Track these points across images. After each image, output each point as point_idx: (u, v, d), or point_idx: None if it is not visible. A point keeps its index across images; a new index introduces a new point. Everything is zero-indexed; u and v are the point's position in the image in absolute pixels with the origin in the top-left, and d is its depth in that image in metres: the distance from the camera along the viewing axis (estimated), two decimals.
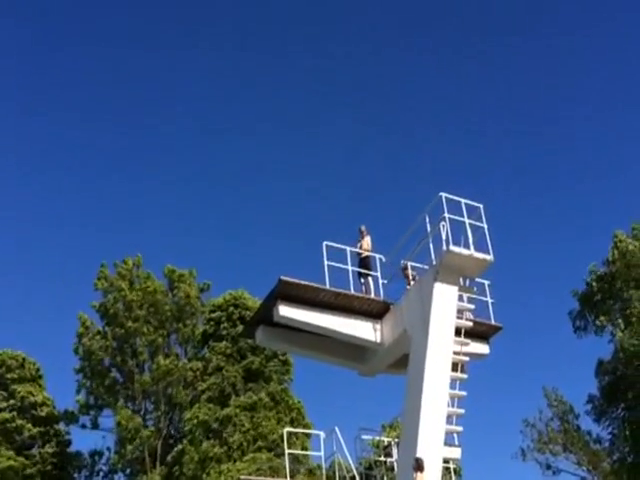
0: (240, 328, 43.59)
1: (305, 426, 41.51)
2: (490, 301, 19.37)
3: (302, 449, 38.41)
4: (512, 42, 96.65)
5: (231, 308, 46.06)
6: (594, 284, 38.85)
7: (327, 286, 18.80)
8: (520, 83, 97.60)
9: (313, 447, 34.88)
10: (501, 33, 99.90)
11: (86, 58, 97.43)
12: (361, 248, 20.46)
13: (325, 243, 19.31)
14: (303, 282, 18.51)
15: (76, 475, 50.55)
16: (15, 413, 46.79)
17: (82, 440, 63.45)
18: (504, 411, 75.82)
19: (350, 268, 19.64)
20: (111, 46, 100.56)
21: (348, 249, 19.97)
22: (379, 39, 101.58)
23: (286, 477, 21.64)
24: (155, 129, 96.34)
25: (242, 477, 21.93)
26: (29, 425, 47.06)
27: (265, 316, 19.30)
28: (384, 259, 20.16)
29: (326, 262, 19.10)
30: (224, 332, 45.65)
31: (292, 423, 41.71)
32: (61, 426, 50.37)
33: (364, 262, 20.38)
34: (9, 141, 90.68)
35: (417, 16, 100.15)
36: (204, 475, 41.16)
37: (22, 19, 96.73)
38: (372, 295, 19.71)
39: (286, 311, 18.60)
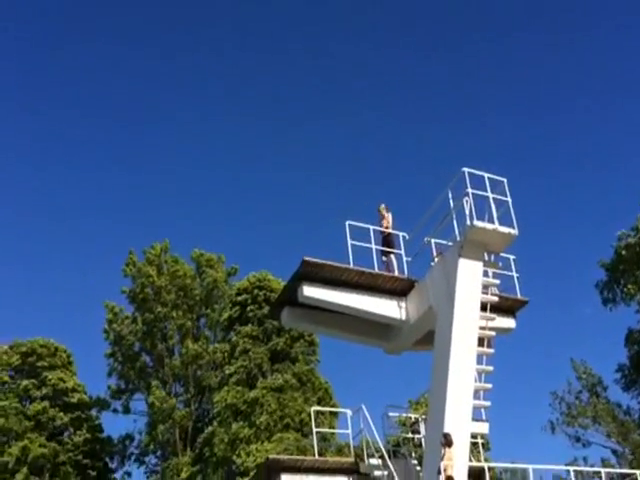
0: (265, 310, 43.85)
1: (332, 405, 41.68)
2: (515, 275, 19.24)
3: (330, 428, 38.59)
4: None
5: (256, 290, 46.21)
6: (622, 252, 38.27)
7: (351, 265, 18.80)
8: (544, 54, 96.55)
9: (340, 426, 35.03)
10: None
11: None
12: (383, 219, 20.41)
13: (348, 222, 19.27)
14: (327, 262, 18.52)
15: (108, 460, 51.17)
16: (47, 402, 47.15)
17: (113, 425, 64.52)
18: (532, 385, 75.78)
19: (374, 247, 19.62)
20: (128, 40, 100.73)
21: (371, 228, 19.94)
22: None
23: (314, 456, 21.76)
24: (179, 114, 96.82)
25: (270, 456, 22.07)
26: (61, 414, 47.40)
27: (290, 297, 19.34)
28: (407, 236, 20.10)
29: (349, 241, 19.08)
30: (250, 314, 45.87)
31: (319, 403, 41.88)
32: (93, 412, 50.88)
33: (387, 240, 20.35)
34: (47, 134, 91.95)
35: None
36: (234, 456, 41.60)
37: (22, 16, 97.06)
38: (396, 273, 19.68)
39: (310, 291, 18.63)
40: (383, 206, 20.87)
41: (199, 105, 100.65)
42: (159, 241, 52.46)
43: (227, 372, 45.10)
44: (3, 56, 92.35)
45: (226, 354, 47.00)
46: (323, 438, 38.07)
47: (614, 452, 40.04)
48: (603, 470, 26.92)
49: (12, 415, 45.37)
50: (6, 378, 47.77)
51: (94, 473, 47.97)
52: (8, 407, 45.50)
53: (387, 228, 20.38)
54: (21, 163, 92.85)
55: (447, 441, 16.12)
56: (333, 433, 38.46)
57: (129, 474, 51.56)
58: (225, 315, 48.70)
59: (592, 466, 37.24)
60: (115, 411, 51.34)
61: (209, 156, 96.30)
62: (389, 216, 20.63)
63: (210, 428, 44.80)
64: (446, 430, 16.50)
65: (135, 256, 51.88)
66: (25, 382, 47.24)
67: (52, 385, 47.62)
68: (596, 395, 40.45)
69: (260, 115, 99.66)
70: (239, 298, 46.81)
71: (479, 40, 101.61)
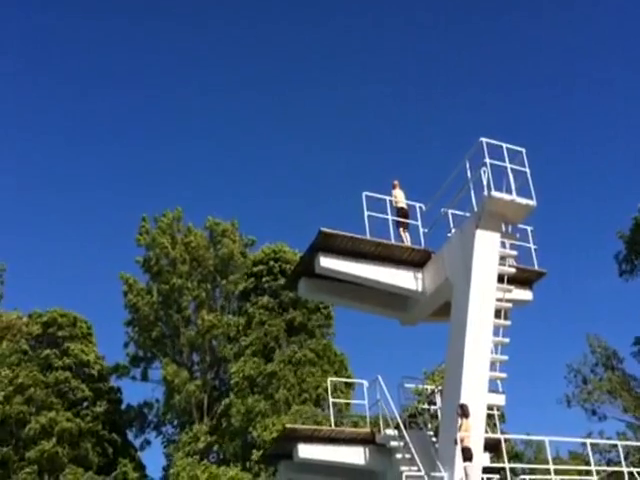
0: (281, 281, 43.90)
1: (348, 377, 41.85)
2: (533, 247, 19.07)
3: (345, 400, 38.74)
4: None
5: (271, 262, 46.22)
6: None
7: (367, 236, 18.74)
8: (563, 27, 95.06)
9: (356, 397, 35.21)
10: None
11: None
12: (395, 198, 20.30)
13: (365, 194, 19.19)
14: (343, 233, 18.45)
15: (127, 429, 51.70)
16: (68, 373, 47.46)
17: (132, 393, 65.17)
18: (549, 357, 75.76)
19: (390, 218, 19.53)
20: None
21: (388, 199, 19.87)
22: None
23: (331, 427, 21.86)
24: (192, 85, 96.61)
25: (287, 426, 22.22)
26: (82, 385, 47.71)
27: (307, 268, 19.31)
28: (424, 207, 19.98)
29: (366, 212, 19.01)
30: (265, 286, 45.93)
31: (335, 375, 42.06)
32: (112, 381, 51.30)
33: (401, 214, 20.24)
34: (59, 115, 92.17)
35: None
36: (250, 428, 41.90)
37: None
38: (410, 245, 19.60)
39: (327, 262, 18.61)
40: (397, 182, 20.74)
41: (220, 72, 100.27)
42: (170, 209, 52.48)
43: (243, 344, 45.28)
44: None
45: (241, 326, 47.18)
46: (339, 410, 38.27)
47: (630, 425, 40.03)
48: (620, 443, 26.90)
49: (39, 386, 45.77)
50: (26, 347, 48.12)
51: (112, 447, 48.41)
52: (35, 377, 45.84)
53: (397, 204, 20.24)
54: (38, 141, 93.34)
55: (464, 412, 16.13)
56: (349, 405, 38.65)
57: (148, 442, 52.19)
58: (240, 286, 48.76)
59: (609, 439, 37.25)
60: (134, 378, 51.81)
61: (225, 127, 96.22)
62: (396, 192, 20.47)
63: (227, 400, 45.06)
64: (462, 401, 16.51)
65: (148, 224, 51.84)
66: (47, 351, 47.58)
67: (74, 355, 47.87)
68: (612, 369, 40.32)
69: (274, 86, 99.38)
70: (254, 269, 46.85)
71: (499, 9, 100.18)
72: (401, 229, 20.05)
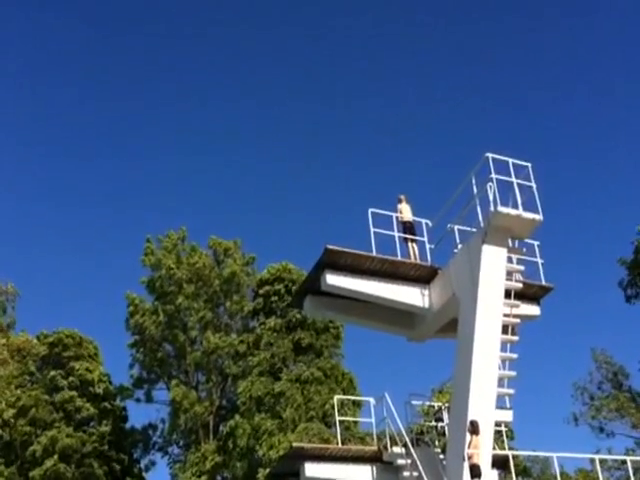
0: (288, 301, 43.86)
1: (355, 395, 41.63)
2: (540, 262, 19.03)
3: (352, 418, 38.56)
4: None
5: (276, 282, 46.21)
6: None
7: (374, 253, 18.72)
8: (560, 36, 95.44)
9: (363, 415, 35.02)
10: None
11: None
12: (400, 213, 20.30)
13: (371, 210, 19.19)
14: (349, 250, 18.45)
15: (132, 450, 51.50)
16: (74, 392, 47.33)
17: (137, 414, 64.96)
18: (557, 372, 75.31)
19: (396, 234, 19.52)
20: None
21: (394, 215, 19.87)
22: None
23: (338, 445, 21.74)
24: (192, 99, 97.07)
25: (294, 444, 22.12)
26: (87, 405, 47.58)
27: (312, 285, 19.31)
28: (430, 223, 19.99)
29: (372, 229, 19.00)
30: (273, 306, 45.93)
31: (343, 393, 41.89)
32: (117, 402, 51.17)
33: (407, 228, 20.24)
34: (62, 128, 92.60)
35: None
36: (257, 447, 41.70)
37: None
38: (417, 261, 19.58)
39: (333, 279, 18.58)
40: (403, 196, 20.77)
41: (221, 85, 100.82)
42: (174, 229, 52.59)
43: (250, 364, 45.13)
44: None
45: (249, 344, 47.06)
46: (346, 427, 38.08)
47: (638, 443, 39.71)
48: (629, 458, 26.67)
49: (41, 406, 45.75)
50: (33, 368, 48.14)
51: (119, 465, 48.26)
52: (37, 397, 45.84)
53: (402, 219, 20.23)
54: (41, 158, 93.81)
55: (474, 428, 16.03)
56: (356, 422, 38.44)
57: (153, 463, 51.97)
58: (248, 307, 48.71)
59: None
60: (138, 400, 51.66)
61: (224, 143, 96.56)
62: (402, 207, 20.48)
63: (232, 421, 44.83)
64: (470, 418, 16.42)
65: (152, 244, 51.96)
66: (52, 372, 47.58)
67: (78, 375, 47.83)
68: (619, 385, 40.08)
69: (275, 101, 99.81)
70: (261, 291, 46.85)
71: (506, 13, 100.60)
72: (409, 242, 20.03)
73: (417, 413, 22.76)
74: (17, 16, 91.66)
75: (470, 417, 16.45)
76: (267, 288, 46.32)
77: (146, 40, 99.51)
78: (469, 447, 15.87)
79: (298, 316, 43.56)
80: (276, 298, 45.73)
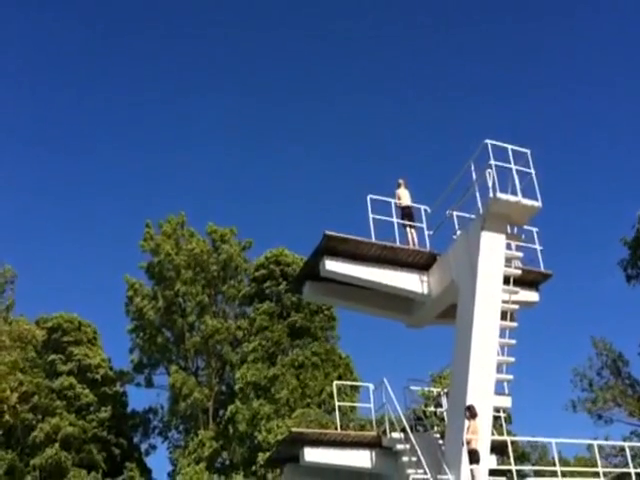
0: (283, 286, 43.93)
1: (353, 380, 41.78)
2: (539, 248, 19.03)
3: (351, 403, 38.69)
4: None
5: (272, 266, 46.23)
6: None
7: (373, 239, 18.72)
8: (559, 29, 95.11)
9: (362, 400, 35.07)
10: None
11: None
12: (398, 198, 20.27)
13: (370, 196, 19.16)
14: (348, 236, 18.44)
15: (132, 434, 51.69)
16: (73, 378, 47.47)
17: (137, 398, 65.12)
18: (555, 358, 75.49)
19: (395, 220, 19.51)
20: None
21: (393, 201, 19.84)
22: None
23: (336, 430, 21.83)
24: (193, 90, 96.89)
25: (293, 429, 22.19)
26: (87, 390, 47.74)
27: (312, 271, 19.30)
28: (429, 210, 19.97)
29: (371, 215, 18.99)
30: (267, 291, 45.97)
31: (340, 378, 42.03)
32: (117, 387, 51.31)
33: (406, 213, 20.20)
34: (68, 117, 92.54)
35: None
36: (255, 432, 41.89)
37: None
38: (415, 246, 19.58)
39: (332, 265, 18.59)
40: (402, 180, 20.72)
41: (216, 79, 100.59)
42: (174, 214, 52.61)
43: (246, 350, 45.27)
44: None
45: (245, 331, 47.23)
46: (345, 413, 38.23)
47: (634, 432, 39.75)
48: (627, 444, 26.77)
49: (43, 392, 45.81)
50: (32, 354, 48.19)
51: (118, 450, 48.42)
52: (38, 384, 45.88)
53: (400, 204, 20.20)
54: (40, 146, 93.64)
55: (471, 413, 16.04)
56: (354, 408, 38.58)
57: (153, 447, 52.20)
58: (243, 291, 48.82)
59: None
60: (138, 385, 51.84)
61: (223, 130, 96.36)
62: (400, 192, 20.43)
63: (232, 407, 45.04)
64: (468, 403, 16.46)
65: (152, 229, 51.96)
66: (52, 356, 47.59)
67: (78, 360, 47.89)
68: (618, 372, 40.09)
69: (273, 88, 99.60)
70: (256, 274, 46.91)
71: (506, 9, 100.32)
72: (408, 228, 20.01)
73: (416, 398, 22.79)
74: (17, 16, 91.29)
75: (469, 402, 16.47)
76: (263, 272, 46.38)
77: (146, 40, 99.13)
78: (468, 432, 15.91)
79: (293, 298, 43.57)
80: (272, 283, 45.77)
